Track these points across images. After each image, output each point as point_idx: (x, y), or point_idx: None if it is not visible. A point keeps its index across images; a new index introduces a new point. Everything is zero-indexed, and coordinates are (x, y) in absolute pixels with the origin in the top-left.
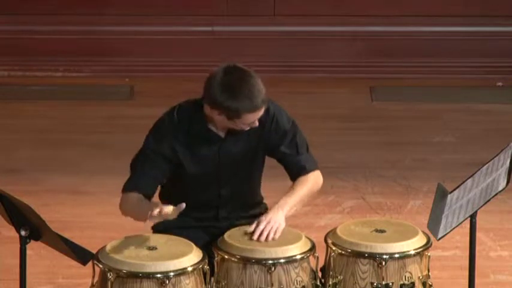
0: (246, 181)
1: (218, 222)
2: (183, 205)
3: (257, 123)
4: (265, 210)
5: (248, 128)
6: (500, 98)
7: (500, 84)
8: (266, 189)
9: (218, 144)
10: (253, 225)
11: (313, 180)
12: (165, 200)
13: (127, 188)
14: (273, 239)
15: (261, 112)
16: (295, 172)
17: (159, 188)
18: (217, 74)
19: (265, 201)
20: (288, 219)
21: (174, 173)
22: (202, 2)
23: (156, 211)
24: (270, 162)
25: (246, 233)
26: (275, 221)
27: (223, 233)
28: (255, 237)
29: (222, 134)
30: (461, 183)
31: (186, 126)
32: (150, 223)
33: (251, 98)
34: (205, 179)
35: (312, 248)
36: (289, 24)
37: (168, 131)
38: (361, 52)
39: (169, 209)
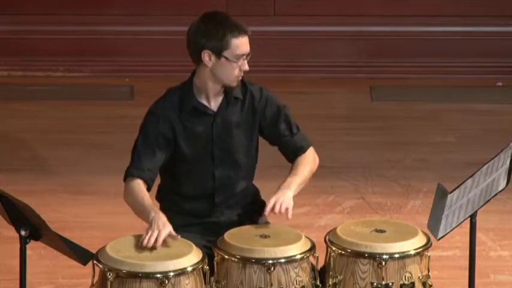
0: (239, 164)
1: (215, 214)
2: (179, 236)
3: (247, 66)
4: (263, 206)
5: (241, 74)
6: (500, 98)
7: (500, 84)
8: (263, 190)
9: (211, 119)
10: (266, 208)
11: (312, 159)
12: (162, 193)
13: (129, 174)
14: (287, 211)
15: (248, 44)
16: (293, 153)
17: (156, 183)
18: (194, 21)
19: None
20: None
21: (171, 157)
22: (202, 2)
23: (149, 243)
24: (266, 162)
25: (245, 233)
26: (285, 198)
27: (223, 232)
28: (267, 212)
29: (214, 108)
30: (461, 183)
31: (178, 104)
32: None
33: (236, 23)
34: (199, 158)
35: (312, 248)
36: (289, 24)
37: (164, 111)
38: (361, 52)
39: (165, 233)
